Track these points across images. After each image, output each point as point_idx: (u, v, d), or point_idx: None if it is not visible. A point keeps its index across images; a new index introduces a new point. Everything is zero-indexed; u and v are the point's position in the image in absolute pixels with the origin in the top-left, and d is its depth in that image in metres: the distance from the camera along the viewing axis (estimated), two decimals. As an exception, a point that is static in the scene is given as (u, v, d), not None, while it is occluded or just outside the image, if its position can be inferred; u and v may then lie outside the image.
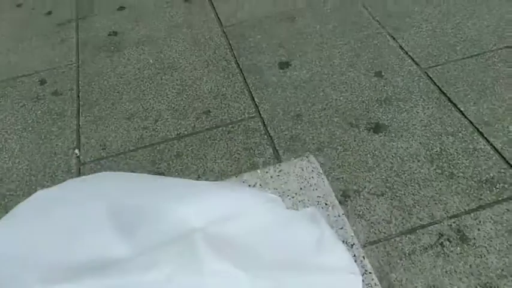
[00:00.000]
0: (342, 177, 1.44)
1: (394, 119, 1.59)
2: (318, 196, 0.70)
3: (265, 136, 1.60)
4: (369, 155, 1.49)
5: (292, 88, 1.78)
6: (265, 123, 1.65)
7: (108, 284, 0.45)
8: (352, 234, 0.57)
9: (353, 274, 0.49)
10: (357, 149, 1.52)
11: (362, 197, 1.38)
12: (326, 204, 0.69)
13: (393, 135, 1.55)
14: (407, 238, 1.28)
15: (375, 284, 0.57)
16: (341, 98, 1.70)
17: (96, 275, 0.45)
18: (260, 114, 1.69)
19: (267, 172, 0.70)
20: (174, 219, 0.49)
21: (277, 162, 0.75)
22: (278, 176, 0.73)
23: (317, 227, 0.55)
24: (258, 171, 0.59)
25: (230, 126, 1.65)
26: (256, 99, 1.75)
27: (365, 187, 1.41)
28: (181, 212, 0.50)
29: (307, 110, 1.68)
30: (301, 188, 0.71)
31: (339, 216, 0.68)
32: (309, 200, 0.69)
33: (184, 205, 0.50)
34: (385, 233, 1.30)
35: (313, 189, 0.70)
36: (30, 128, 1.76)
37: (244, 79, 1.84)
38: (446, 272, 1.21)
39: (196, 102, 1.78)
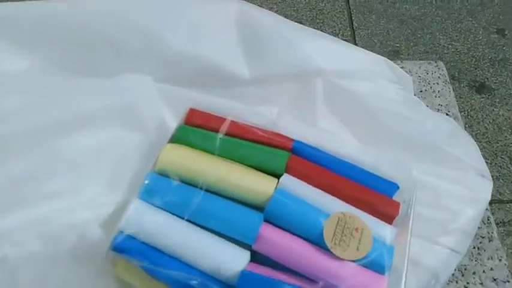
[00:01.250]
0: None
1: (504, 84, 1.40)
2: (439, 104, 0.60)
3: (356, 62, 1.48)
4: (462, 113, 1.34)
5: (397, 22, 1.60)
6: (358, 50, 1.51)
7: (213, 101, 0.41)
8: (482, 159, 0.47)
9: (484, 177, 0.41)
10: (452, 103, 1.36)
11: (442, 153, 1.26)
12: (447, 114, 0.59)
13: (497, 100, 1.37)
14: (478, 208, 1.17)
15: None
16: (450, 46, 1.52)
17: (207, 84, 0.40)
18: (355, 39, 1.55)
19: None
20: (298, 54, 0.42)
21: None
22: (397, 72, 0.63)
23: (449, 121, 0.46)
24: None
25: (321, 42, 1.54)
26: (354, 24, 1.59)
27: (448, 144, 1.28)
28: (309, 49, 0.43)
29: (407, 49, 1.52)
30: (421, 91, 0.61)
31: (459, 130, 0.58)
32: (428, 105, 0.60)
33: (313, 44, 0.43)
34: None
35: (436, 96, 0.61)
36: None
37: (347, 0, 1.67)
38: (510, 252, 1.10)
39: (289, 10, 1.66)
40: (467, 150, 0.43)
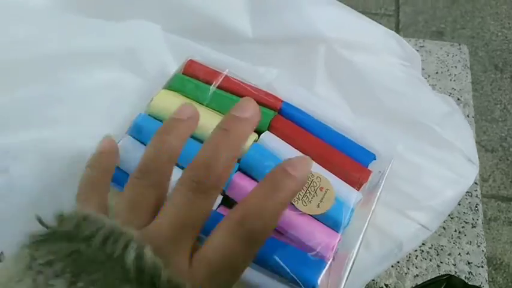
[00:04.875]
0: (456, 115, 1.27)
1: (551, 81, 1.32)
2: (453, 88, 0.59)
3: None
4: (498, 105, 1.29)
5: (447, 1, 1.52)
6: (399, 27, 1.46)
7: (215, 56, 0.43)
8: (474, 144, 0.47)
9: (471, 163, 0.41)
10: (489, 94, 1.31)
11: (468, 143, 1.23)
12: (459, 99, 0.58)
13: (540, 96, 1.30)
14: (496, 204, 1.14)
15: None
16: (499, 33, 1.43)
17: (211, 38, 0.42)
18: (398, 15, 1.49)
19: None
20: (305, 18, 0.43)
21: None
22: (417, 50, 0.62)
23: (448, 105, 0.46)
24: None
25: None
26: (400, -1, 1.53)
27: (477, 135, 1.24)
28: (316, 15, 0.43)
29: (452, 31, 1.44)
30: (437, 72, 0.60)
31: (467, 116, 0.57)
32: (440, 88, 0.59)
33: (321, 10, 0.44)
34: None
35: (451, 80, 0.59)
36: None
37: (398, -28, 1.60)
38: (522, 254, 1.08)
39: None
40: (458, 134, 0.43)
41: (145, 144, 0.35)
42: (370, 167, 0.38)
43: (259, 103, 0.39)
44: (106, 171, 0.28)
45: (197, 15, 0.42)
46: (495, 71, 1.35)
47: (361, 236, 0.33)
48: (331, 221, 0.33)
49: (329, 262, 0.31)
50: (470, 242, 0.48)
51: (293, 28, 0.43)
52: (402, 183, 0.40)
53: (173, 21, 0.43)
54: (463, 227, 0.49)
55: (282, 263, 0.30)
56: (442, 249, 0.48)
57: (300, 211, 0.32)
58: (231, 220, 0.23)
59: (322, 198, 0.33)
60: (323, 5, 0.44)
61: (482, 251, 0.48)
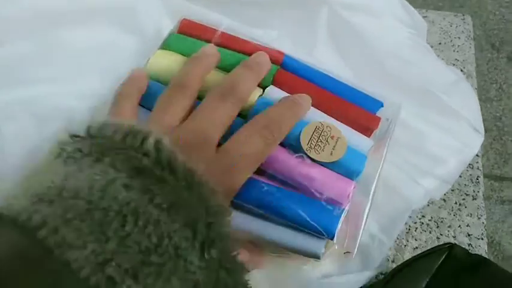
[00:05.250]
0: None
1: (547, 61, 1.32)
2: (456, 59, 0.58)
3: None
4: (494, 85, 1.28)
5: (446, -21, 1.49)
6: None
7: (213, 18, 0.41)
8: (479, 113, 0.45)
9: (477, 132, 0.40)
10: (485, 73, 1.30)
11: (463, 123, 1.22)
12: (462, 70, 0.57)
13: (536, 77, 1.30)
14: (489, 183, 1.15)
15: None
16: (497, 12, 1.41)
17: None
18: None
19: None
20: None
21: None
22: (420, 20, 0.61)
23: (454, 73, 0.45)
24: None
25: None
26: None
27: (472, 115, 1.24)
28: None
29: (450, 8, 1.42)
30: (440, 43, 0.59)
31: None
32: (443, 59, 0.58)
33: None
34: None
35: (454, 50, 0.58)
36: None
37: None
38: (512, 231, 1.10)
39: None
40: (464, 102, 0.42)
41: (146, 108, 0.34)
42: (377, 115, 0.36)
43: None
44: (137, 88, 0.33)
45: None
46: (492, 50, 1.34)
47: (374, 183, 0.33)
48: (344, 169, 0.32)
49: (346, 210, 0.30)
50: (471, 214, 0.48)
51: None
52: (406, 150, 0.39)
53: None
54: (463, 199, 0.49)
55: (300, 212, 0.29)
56: (442, 222, 0.47)
57: (313, 161, 0.31)
58: (258, 124, 0.29)
59: (334, 146, 0.32)
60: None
61: (483, 223, 0.47)
